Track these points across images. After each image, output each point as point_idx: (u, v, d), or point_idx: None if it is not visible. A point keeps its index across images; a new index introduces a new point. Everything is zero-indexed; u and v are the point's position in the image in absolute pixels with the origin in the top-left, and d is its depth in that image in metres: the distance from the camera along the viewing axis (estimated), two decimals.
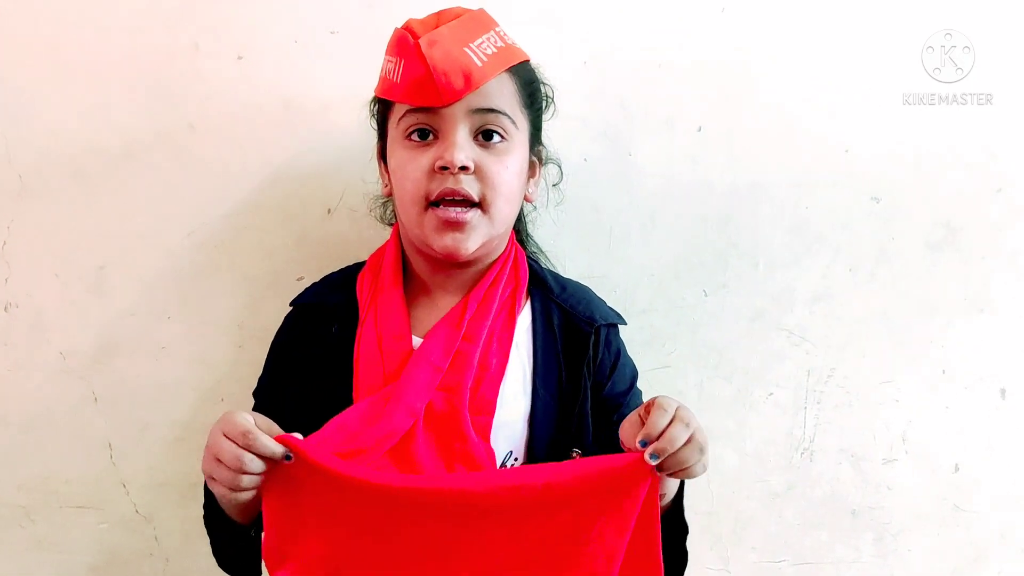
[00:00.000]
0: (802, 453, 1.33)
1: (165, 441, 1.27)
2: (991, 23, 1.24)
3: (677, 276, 1.28)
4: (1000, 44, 1.25)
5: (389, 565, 0.87)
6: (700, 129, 1.24)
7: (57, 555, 1.29)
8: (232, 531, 0.95)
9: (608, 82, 1.22)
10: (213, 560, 1.28)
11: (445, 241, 0.98)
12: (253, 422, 0.85)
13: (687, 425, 0.86)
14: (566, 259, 1.25)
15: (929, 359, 1.32)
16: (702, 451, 0.87)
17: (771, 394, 1.31)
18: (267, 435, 0.84)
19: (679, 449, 0.85)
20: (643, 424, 0.87)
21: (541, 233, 1.23)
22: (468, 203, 0.97)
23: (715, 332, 1.29)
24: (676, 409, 0.87)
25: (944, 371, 1.32)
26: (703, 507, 1.34)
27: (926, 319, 1.31)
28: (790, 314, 1.29)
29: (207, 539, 1.26)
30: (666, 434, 0.85)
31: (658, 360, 1.29)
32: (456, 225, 0.97)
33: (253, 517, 0.92)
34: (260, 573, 1.00)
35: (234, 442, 0.83)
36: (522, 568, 0.86)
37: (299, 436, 0.86)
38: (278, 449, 0.83)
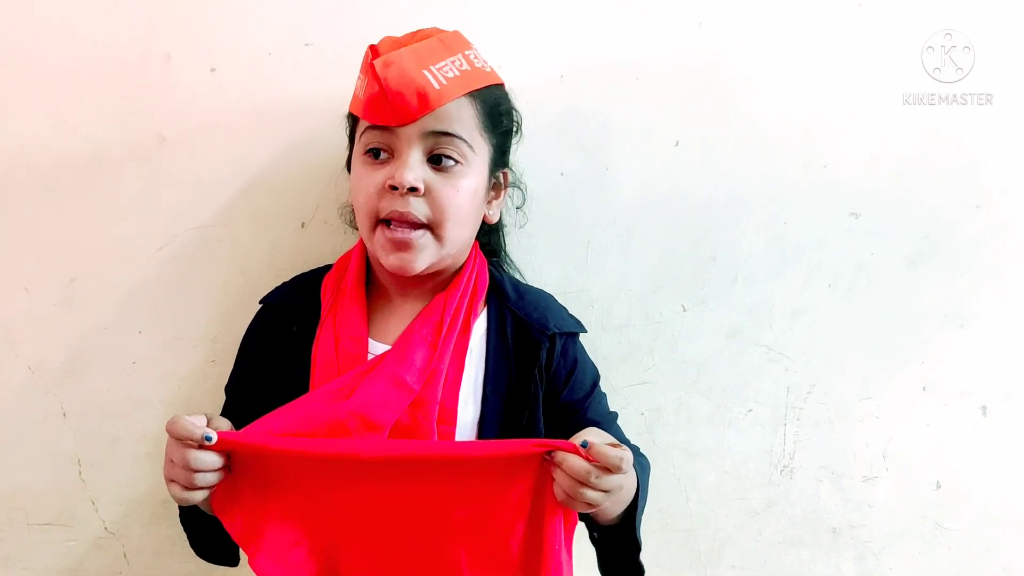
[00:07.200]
0: (782, 470, 1.32)
1: (135, 457, 1.26)
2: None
3: (655, 290, 1.27)
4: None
5: (340, 524, 0.94)
6: (677, 143, 1.23)
7: (24, 573, 1.27)
8: (209, 525, 0.98)
9: (586, 96, 1.22)
10: None
11: (391, 259, 0.99)
12: (185, 416, 0.89)
13: (621, 474, 0.87)
14: (543, 273, 1.24)
15: (909, 375, 1.31)
16: (590, 501, 0.88)
17: (750, 410, 1.30)
18: (191, 421, 0.88)
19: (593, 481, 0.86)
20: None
21: (518, 247, 1.22)
22: (417, 226, 0.98)
23: (693, 347, 1.28)
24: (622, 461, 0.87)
25: (924, 387, 1.31)
26: (682, 524, 1.32)
27: (906, 335, 1.30)
28: (769, 330, 1.28)
29: (177, 556, 1.27)
30: (602, 460, 0.86)
31: (636, 376, 1.28)
32: (403, 246, 0.98)
33: None
34: (238, 558, 1.04)
35: (170, 436, 0.89)
36: (445, 524, 0.93)
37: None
38: (196, 431, 0.87)
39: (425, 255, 0.99)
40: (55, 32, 1.16)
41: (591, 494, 0.87)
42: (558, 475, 0.88)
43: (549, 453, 0.88)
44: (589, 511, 0.92)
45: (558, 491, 0.88)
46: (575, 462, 0.86)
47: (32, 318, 1.21)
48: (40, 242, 1.19)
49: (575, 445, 0.87)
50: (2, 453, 1.23)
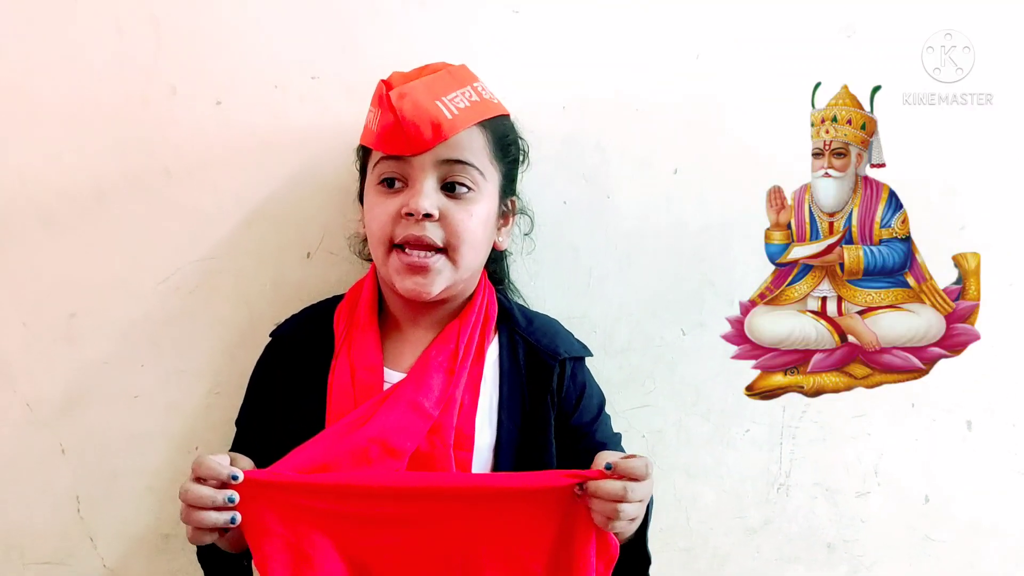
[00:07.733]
0: (778, 488, 1.35)
1: (135, 492, 1.24)
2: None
3: (655, 315, 1.29)
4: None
5: (372, 565, 0.93)
6: (676, 171, 1.26)
7: None
8: (226, 561, 0.98)
9: (586, 126, 1.24)
10: None
11: (407, 284, 1.01)
12: (211, 456, 0.90)
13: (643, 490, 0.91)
14: (546, 299, 1.26)
15: (898, 392, 1.35)
16: (630, 515, 0.91)
17: (747, 430, 1.33)
18: (216, 460, 0.89)
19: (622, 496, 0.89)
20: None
21: (521, 274, 1.24)
22: (432, 248, 1.00)
23: (692, 370, 1.31)
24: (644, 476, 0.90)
25: (913, 404, 1.35)
26: (681, 543, 1.34)
27: None
28: None
29: None
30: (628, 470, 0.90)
31: (637, 399, 1.30)
32: (420, 269, 1.00)
33: (244, 547, 0.96)
34: None
35: (193, 475, 0.89)
36: (473, 559, 0.93)
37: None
38: (223, 470, 0.87)
39: (441, 279, 1.01)
40: (60, 65, 1.15)
41: (629, 508, 0.89)
42: (595, 503, 0.90)
43: (580, 485, 0.90)
44: (629, 528, 0.93)
45: (598, 518, 0.90)
46: (609, 485, 0.89)
47: (31, 353, 1.19)
48: (40, 276, 1.18)
49: (601, 471, 0.89)
50: None
